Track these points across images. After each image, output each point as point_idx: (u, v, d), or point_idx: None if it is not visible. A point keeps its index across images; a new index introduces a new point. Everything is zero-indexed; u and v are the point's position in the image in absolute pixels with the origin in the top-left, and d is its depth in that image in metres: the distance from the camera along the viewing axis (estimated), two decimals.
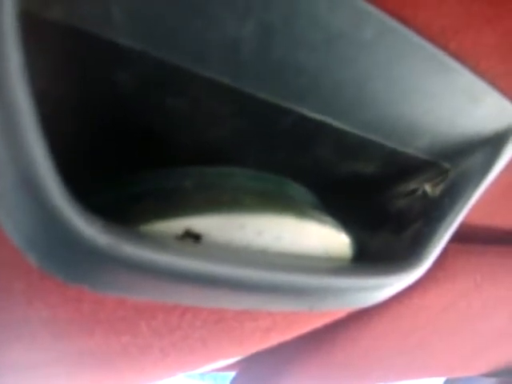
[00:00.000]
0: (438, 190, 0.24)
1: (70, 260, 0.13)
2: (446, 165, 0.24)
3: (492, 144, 0.22)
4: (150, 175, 0.18)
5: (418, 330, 0.40)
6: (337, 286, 0.18)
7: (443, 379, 0.88)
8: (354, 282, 0.19)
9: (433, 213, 0.23)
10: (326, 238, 0.19)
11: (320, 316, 0.28)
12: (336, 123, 0.19)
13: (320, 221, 0.19)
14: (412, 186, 0.25)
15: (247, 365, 0.52)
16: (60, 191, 0.12)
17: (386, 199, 0.26)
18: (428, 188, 0.25)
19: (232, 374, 0.61)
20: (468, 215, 0.23)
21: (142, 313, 0.20)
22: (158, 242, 0.15)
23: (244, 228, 0.17)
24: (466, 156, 0.23)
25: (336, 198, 0.23)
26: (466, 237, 0.32)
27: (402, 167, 0.24)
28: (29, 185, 0.11)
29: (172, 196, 0.17)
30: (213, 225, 0.16)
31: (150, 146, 0.19)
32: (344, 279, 0.19)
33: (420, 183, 0.25)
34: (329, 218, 0.20)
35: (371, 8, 0.15)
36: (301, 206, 0.19)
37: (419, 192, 0.25)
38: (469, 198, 0.23)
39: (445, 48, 0.17)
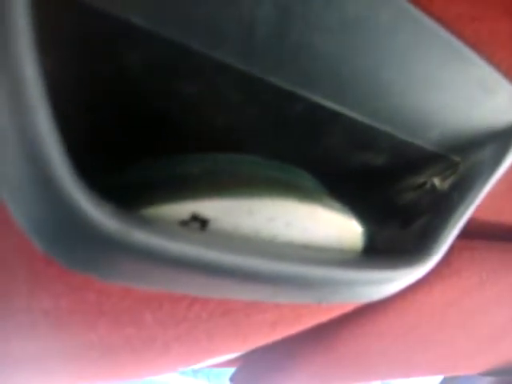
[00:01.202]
0: (447, 184, 0.24)
1: (77, 245, 0.13)
2: (456, 158, 0.23)
3: (503, 137, 0.22)
4: (159, 161, 0.17)
5: (421, 327, 0.40)
6: (346, 278, 0.18)
7: (440, 379, 0.88)
8: (363, 275, 0.19)
9: (441, 207, 0.23)
10: (338, 226, 0.19)
11: (327, 310, 0.28)
12: (347, 112, 0.19)
13: (332, 208, 0.19)
14: (421, 179, 0.25)
15: (248, 360, 0.52)
16: (68, 173, 0.11)
17: (394, 192, 0.25)
18: (437, 181, 0.24)
19: (228, 370, 0.60)
20: (475, 210, 0.23)
21: (148, 303, 0.19)
22: (169, 230, 0.14)
23: (253, 214, 0.16)
24: (476, 149, 0.23)
25: (344, 190, 0.22)
26: (473, 232, 0.32)
27: (412, 160, 0.23)
28: (36, 165, 0.11)
29: (180, 181, 0.17)
30: (220, 209, 0.16)
31: (159, 132, 0.19)
32: (353, 272, 0.18)
33: (429, 176, 0.24)
34: (341, 206, 0.19)
35: None
36: (312, 192, 0.19)
37: (428, 185, 0.24)
38: (478, 192, 0.22)
39: (460, 35, 0.17)
